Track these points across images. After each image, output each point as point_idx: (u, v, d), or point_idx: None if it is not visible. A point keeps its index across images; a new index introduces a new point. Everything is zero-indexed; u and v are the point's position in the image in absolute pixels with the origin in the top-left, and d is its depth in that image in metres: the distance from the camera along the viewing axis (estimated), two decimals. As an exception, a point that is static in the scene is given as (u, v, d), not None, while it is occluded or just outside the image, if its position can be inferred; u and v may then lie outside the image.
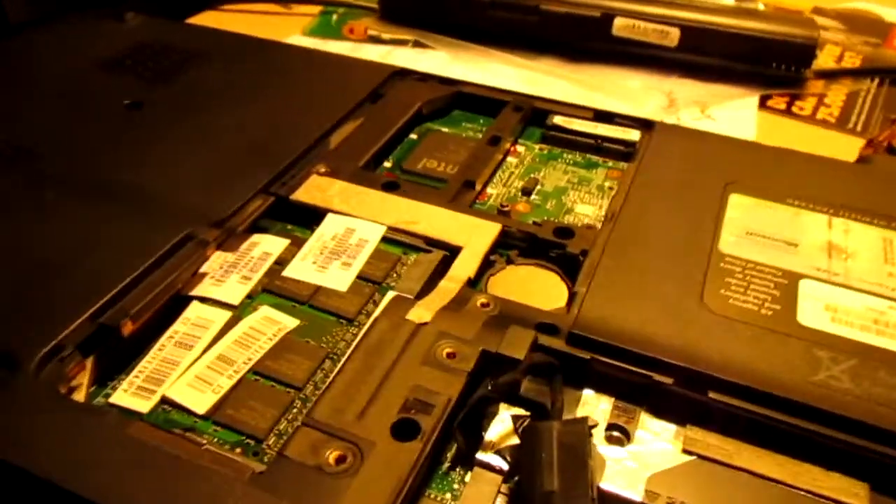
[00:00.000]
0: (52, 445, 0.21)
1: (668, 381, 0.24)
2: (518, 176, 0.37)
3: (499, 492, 0.23)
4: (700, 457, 0.23)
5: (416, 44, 0.55)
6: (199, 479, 0.20)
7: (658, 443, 0.24)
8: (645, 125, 0.39)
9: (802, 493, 0.22)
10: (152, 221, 0.30)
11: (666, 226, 0.31)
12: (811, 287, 0.28)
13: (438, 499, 0.23)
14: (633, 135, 0.38)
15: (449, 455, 0.24)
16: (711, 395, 0.24)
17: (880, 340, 0.26)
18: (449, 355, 0.25)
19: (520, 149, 0.39)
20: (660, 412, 0.25)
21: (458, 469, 0.23)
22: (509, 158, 0.39)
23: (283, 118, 0.38)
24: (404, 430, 0.22)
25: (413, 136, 0.40)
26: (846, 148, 0.44)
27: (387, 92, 0.41)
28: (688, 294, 0.27)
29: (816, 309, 0.27)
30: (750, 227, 0.31)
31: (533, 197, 0.36)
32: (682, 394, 0.24)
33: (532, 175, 0.37)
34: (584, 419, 0.22)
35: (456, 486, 0.23)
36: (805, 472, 0.23)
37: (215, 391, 0.24)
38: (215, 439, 0.23)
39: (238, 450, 0.23)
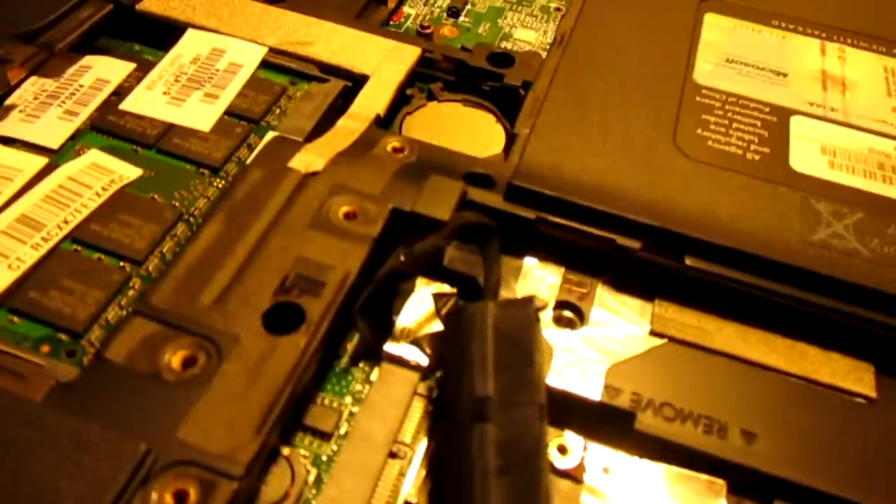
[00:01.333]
0: None
1: (635, 244, 0.19)
2: (443, -7, 0.30)
3: (415, 393, 0.17)
4: (672, 339, 0.18)
5: None
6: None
7: (620, 324, 0.19)
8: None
9: (797, 379, 0.18)
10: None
11: (629, 51, 0.24)
12: (805, 125, 0.23)
13: (335, 404, 0.17)
14: (586, -58, 0.31)
15: (350, 347, 0.18)
16: (688, 260, 0.19)
17: (889, 189, 0.21)
18: (347, 216, 0.18)
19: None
20: (623, 285, 0.19)
21: (361, 365, 0.18)
22: (435, -28, 0.31)
23: None
24: (282, 318, 0.16)
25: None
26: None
27: None
28: (657, 135, 0.21)
29: (812, 151, 0.22)
30: (730, 53, 0.25)
31: (461, 19, 0.28)
32: (652, 260, 0.19)
33: (460, -9, 0.30)
34: (530, 299, 0.16)
35: (359, 386, 0.17)
36: (799, 354, 0.18)
37: (12, 266, 0.17)
38: (10, 334, 0.16)
39: (45, 348, 0.16)
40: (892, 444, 0.17)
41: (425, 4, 0.29)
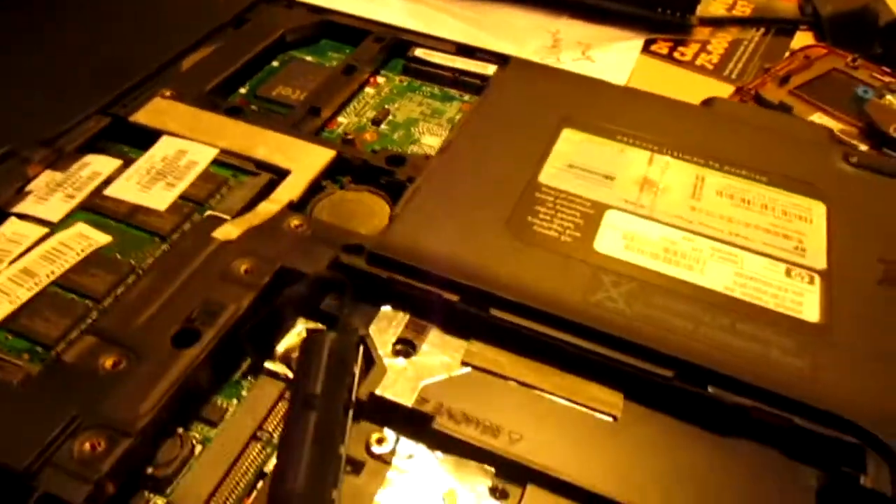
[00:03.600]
0: None
1: (454, 298, 0.26)
2: (372, 106, 0.38)
3: (281, 397, 0.24)
4: (475, 368, 0.25)
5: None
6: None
7: (440, 356, 0.25)
8: (502, 60, 0.39)
9: (563, 400, 0.24)
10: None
11: (493, 156, 0.32)
12: (615, 217, 0.30)
13: (224, 405, 0.24)
14: (490, 69, 0.39)
15: (245, 365, 0.25)
16: (493, 311, 0.26)
17: (665, 267, 0.28)
18: (246, 271, 0.25)
19: (380, 80, 0.40)
20: (448, 328, 0.26)
21: (248, 378, 0.25)
22: (367, 89, 0.39)
23: (135, 38, 0.37)
24: (184, 338, 0.23)
25: (275, 63, 0.40)
26: (718, 94, 0.45)
27: (252, 17, 0.41)
28: (494, 220, 0.29)
29: (614, 237, 0.29)
30: (574, 160, 0.32)
31: (382, 127, 0.37)
32: (466, 310, 0.26)
33: (386, 106, 0.38)
34: (355, 330, 0.24)
35: (245, 392, 0.24)
36: (567, 382, 0.25)
37: (12, 301, 0.25)
38: (8, 348, 0.24)
39: (26, 356, 0.24)
40: (629, 451, 0.23)
41: (356, 115, 0.37)
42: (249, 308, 0.24)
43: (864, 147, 0.44)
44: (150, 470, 0.22)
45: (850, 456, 0.22)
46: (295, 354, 0.25)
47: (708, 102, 0.39)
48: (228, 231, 0.27)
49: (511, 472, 0.23)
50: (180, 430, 0.23)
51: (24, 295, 0.25)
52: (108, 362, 0.22)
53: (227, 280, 0.25)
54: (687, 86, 0.47)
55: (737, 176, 0.32)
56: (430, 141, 0.36)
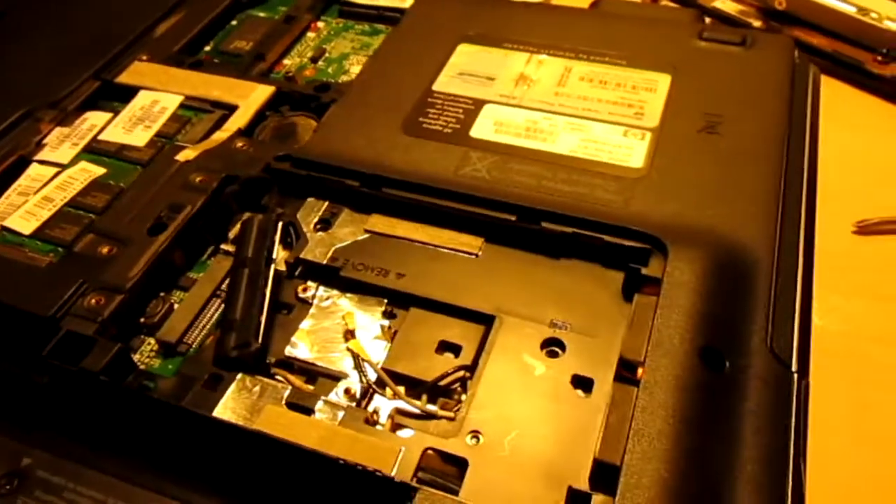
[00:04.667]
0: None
1: (356, 183, 0.34)
2: (312, 48, 0.46)
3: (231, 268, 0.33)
4: (374, 233, 0.33)
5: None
6: (14, 268, 0.31)
7: (350, 228, 0.34)
8: (418, -7, 0.46)
9: (436, 247, 0.32)
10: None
11: (397, 74, 0.40)
12: (491, 109, 0.37)
13: (193, 276, 0.33)
14: (407, 2, 0.46)
15: (209, 249, 0.34)
16: (385, 189, 0.34)
17: (526, 142, 0.35)
18: (200, 181, 0.34)
19: (320, 24, 0.47)
20: (357, 209, 0.34)
21: (213, 258, 0.34)
22: (309, 33, 0.47)
23: (116, 12, 0.46)
24: (156, 229, 0.32)
25: (234, 22, 0.48)
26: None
27: (211, -15, 0.49)
28: (391, 123, 0.36)
29: (487, 124, 0.36)
30: (464, 69, 0.40)
31: (319, 63, 0.44)
32: (364, 192, 0.34)
33: (323, 46, 0.46)
34: (274, 212, 0.32)
35: (202, 272, 0.33)
36: (440, 234, 0.33)
37: (38, 219, 0.34)
38: (37, 250, 0.33)
39: (51, 255, 0.33)
40: (488, 277, 0.31)
41: (299, 56, 0.45)
42: (201, 206, 0.33)
43: (757, 23, 0.50)
44: (141, 320, 0.31)
45: (642, 258, 0.30)
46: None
47: (595, 4, 0.45)
48: (187, 154, 0.36)
49: (398, 301, 0.31)
50: (162, 294, 0.32)
51: (45, 215, 0.34)
52: (105, 250, 0.31)
53: (186, 188, 0.34)
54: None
55: (600, 63, 0.39)
56: (358, 70, 0.43)
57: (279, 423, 0.26)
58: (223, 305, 0.31)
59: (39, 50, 0.44)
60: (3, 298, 0.29)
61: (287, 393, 0.28)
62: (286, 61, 0.45)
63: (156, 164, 0.36)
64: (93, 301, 0.29)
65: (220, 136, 0.37)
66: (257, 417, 0.27)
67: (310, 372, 0.29)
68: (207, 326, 0.31)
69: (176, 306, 0.32)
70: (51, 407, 0.29)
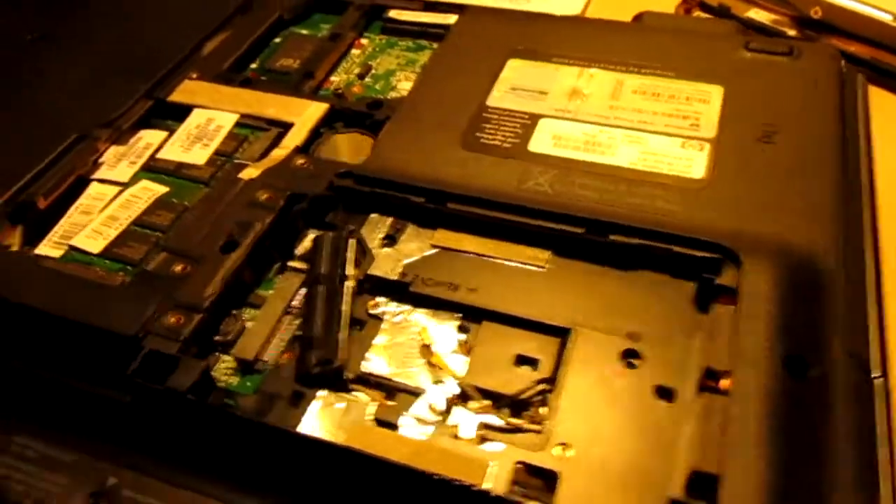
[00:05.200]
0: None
1: (420, 199, 0.34)
2: (358, 64, 0.46)
3: (302, 284, 0.33)
4: (441, 248, 0.34)
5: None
6: (90, 287, 0.31)
7: (415, 243, 0.34)
8: (460, 9, 0.47)
9: (504, 261, 0.33)
10: (52, 126, 0.39)
11: (449, 90, 0.40)
12: (547, 124, 0.38)
13: (262, 294, 0.33)
14: (451, 19, 0.47)
15: (275, 268, 0.34)
16: (449, 204, 0.34)
17: (585, 156, 0.36)
18: (267, 199, 0.35)
19: (364, 41, 0.48)
20: (421, 224, 0.35)
21: (280, 275, 0.34)
22: (354, 50, 0.47)
23: (163, 32, 0.47)
24: (228, 247, 0.32)
25: (277, 39, 0.49)
26: (666, 5, 0.51)
27: (255, 3, 0.50)
28: (448, 139, 0.37)
29: (545, 138, 0.37)
30: (516, 84, 0.40)
31: (366, 80, 0.45)
32: (430, 208, 0.34)
33: (369, 62, 0.46)
34: (345, 229, 0.33)
35: (271, 290, 0.34)
36: (507, 248, 0.33)
37: (105, 238, 0.34)
38: (107, 268, 0.34)
39: (121, 273, 0.33)
40: (557, 290, 0.32)
41: (346, 73, 0.46)
42: (270, 224, 0.33)
43: (792, 32, 0.51)
44: (217, 338, 0.31)
45: (714, 268, 0.30)
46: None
47: (638, 18, 0.46)
48: (251, 172, 0.36)
49: (470, 315, 0.31)
50: (234, 312, 0.32)
51: (112, 233, 0.35)
52: (178, 268, 0.32)
53: (253, 206, 0.34)
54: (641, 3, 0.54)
55: (651, 76, 0.40)
56: (406, 86, 0.44)
57: (368, 438, 0.27)
58: (298, 322, 0.31)
59: (88, 69, 0.44)
60: (84, 318, 0.29)
61: (372, 409, 0.28)
62: (334, 78, 0.45)
63: (218, 182, 0.36)
64: (172, 320, 0.30)
65: (279, 153, 0.38)
66: (344, 434, 0.27)
67: (387, 387, 0.30)
68: (282, 343, 0.31)
69: (248, 324, 0.32)
70: (134, 426, 0.29)
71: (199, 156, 0.39)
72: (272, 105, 0.41)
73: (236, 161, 0.38)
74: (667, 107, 0.38)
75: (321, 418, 0.28)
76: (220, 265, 0.32)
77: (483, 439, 0.27)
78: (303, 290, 0.33)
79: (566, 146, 0.36)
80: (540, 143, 0.36)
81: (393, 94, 0.43)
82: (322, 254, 0.32)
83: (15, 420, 0.30)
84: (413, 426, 0.28)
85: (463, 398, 0.28)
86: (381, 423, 0.28)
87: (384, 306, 0.32)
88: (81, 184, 0.38)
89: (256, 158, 0.38)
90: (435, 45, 0.46)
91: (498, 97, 0.39)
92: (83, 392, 0.30)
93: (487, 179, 0.35)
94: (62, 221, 0.36)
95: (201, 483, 0.28)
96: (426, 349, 0.30)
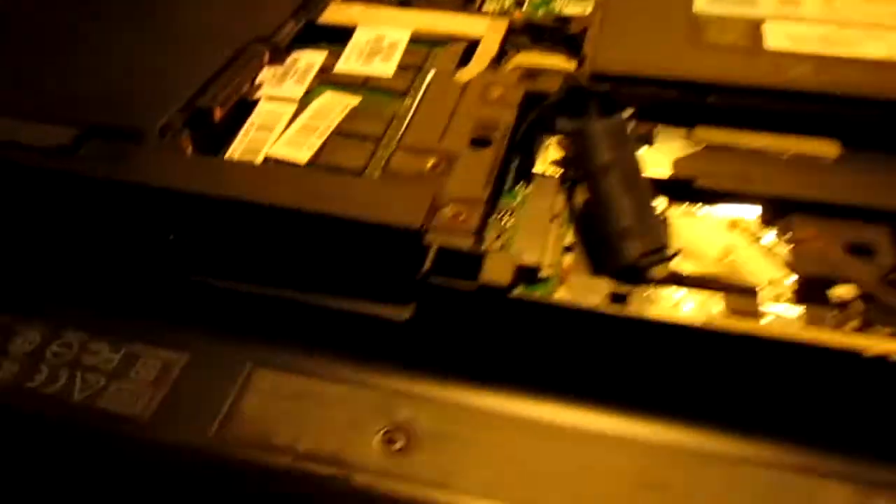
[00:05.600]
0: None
1: (674, 94, 0.30)
2: (509, -8, 0.42)
3: (558, 191, 0.28)
4: (712, 145, 0.29)
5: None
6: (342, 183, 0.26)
7: (677, 142, 0.30)
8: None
9: (787, 156, 0.29)
10: (213, 40, 0.33)
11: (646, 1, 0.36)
12: (773, 26, 0.34)
13: (508, 203, 0.28)
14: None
15: (510, 178, 0.29)
16: (711, 98, 0.30)
17: (833, 50, 0.32)
18: (499, 97, 0.30)
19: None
20: (672, 122, 0.30)
21: (520, 183, 0.29)
22: (497, -18, 0.43)
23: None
24: (480, 141, 0.27)
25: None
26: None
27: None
28: (675, 40, 0.33)
29: (779, 37, 0.33)
30: (715, -6, 0.37)
31: (525, 7, 0.41)
32: (686, 103, 0.30)
33: (520, -11, 0.42)
34: (619, 116, 0.28)
35: (519, 197, 0.28)
36: (788, 141, 0.29)
37: (309, 147, 0.29)
38: (320, 181, 0.28)
39: (345, 181, 0.27)
40: (850, 184, 0.28)
41: (497, 2, 0.41)
42: (517, 118, 0.28)
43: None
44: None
45: None
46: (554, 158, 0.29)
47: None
48: (467, 73, 0.31)
49: (776, 207, 0.27)
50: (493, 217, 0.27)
51: (316, 142, 0.29)
52: (429, 164, 0.26)
53: (487, 104, 0.29)
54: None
55: (856, -15, 0.37)
56: (573, 10, 0.40)
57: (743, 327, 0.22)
58: (563, 229, 0.26)
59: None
60: (352, 214, 0.23)
61: (720, 304, 0.23)
62: (489, 7, 0.41)
63: (432, 85, 0.31)
64: (451, 213, 0.24)
65: (479, 62, 0.33)
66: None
67: (704, 283, 0.25)
68: (557, 249, 0.26)
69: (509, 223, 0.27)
70: (417, 344, 0.23)
71: (383, 68, 0.33)
72: (444, 21, 0.36)
73: (433, 70, 0.33)
74: (890, 8, 0.35)
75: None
76: (478, 160, 0.26)
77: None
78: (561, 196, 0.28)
79: (806, 44, 0.33)
80: (776, 41, 0.33)
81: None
82: (601, 143, 0.27)
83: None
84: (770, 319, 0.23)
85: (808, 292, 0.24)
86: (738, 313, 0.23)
87: (664, 205, 0.27)
88: (244, 104, 0.32)
89: (451, 71, 0.33)
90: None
91: (704, 4, 0.36)
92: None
93: (740, 72, 0.31)
94: (240, 136, 0.30)
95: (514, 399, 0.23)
96: (731, 246, 0.26)
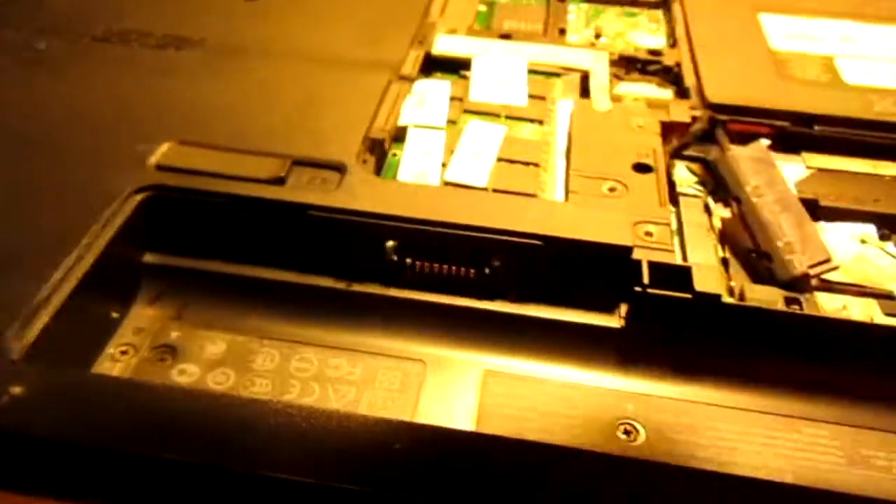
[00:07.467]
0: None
1: (786, 123, 0.34)
2: (584, 25, 0.46)
3: (706, 208, 0.32)
4: (820, 170, 0.34)
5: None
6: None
7: (787, 165, 0.34)
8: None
9: (887, 178, 0.33)
10: (358, 72, 0.36)
11: (728, 36, 0.41)
12: (844, 61, 0.39)
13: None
14: (661, -13, 0.47)
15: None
16: (816, 128, 0.34)
17: (900, 85, 0.37)
18: (641, 126, 0.33)
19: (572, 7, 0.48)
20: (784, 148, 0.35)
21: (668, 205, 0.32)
22: (569, 15, 0.47)
23: None
24: (641, 167, 0.31)
25: (482, 7, 0.47)
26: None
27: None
28: (765, 74, 0.37)
29: (854, 73, 0.38)
30: (786, 32, 0.42)
31: (602, 40, 0.44)
32: (796, 131, 0.34)
33: (594, 23, 0.46)
34: (759, 141, 0.32)
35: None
36: (883, 165, 0.34)
37: (482, 173, 0.31)
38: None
39: (522, 204, 0.30)
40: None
41: (577, 33, 0.45)
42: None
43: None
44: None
45: None
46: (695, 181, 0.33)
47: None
48: (595, 102, 0.34)
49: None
50: (658, 234, 0.30)
51: (485, 168, 0.31)
52: (605, 188, 0.29)
53: (632, 131, 0.33)
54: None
55: (899, 26, 0.43)
56: (646, 42, 0.44)
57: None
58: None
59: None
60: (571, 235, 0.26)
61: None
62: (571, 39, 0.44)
63: (575, 119, 0.34)
64: (641, 233, 0.27)
65: (602, 93, 0.36)
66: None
67: (846, 289, 0.29)
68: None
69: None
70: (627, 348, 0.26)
71: (516, 97, 0.36)
72: (551, 54, 0.39)
73: (562, 100, 0.36)
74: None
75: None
76: (646, 182, 0.30)
77: None
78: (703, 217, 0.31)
79: (882, 79, 0.38)
80: (853, 76, 0.38)
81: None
82: (748, 168, 0.31)
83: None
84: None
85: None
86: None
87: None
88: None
89: (578, 99, 0.36)
90: (644, 11, 0.47)
91: (780, 41, 0.40)
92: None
93: (836, 106, 0.35)
94: (406, 162, 0.32)
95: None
96: (862, 256, 0.30)
